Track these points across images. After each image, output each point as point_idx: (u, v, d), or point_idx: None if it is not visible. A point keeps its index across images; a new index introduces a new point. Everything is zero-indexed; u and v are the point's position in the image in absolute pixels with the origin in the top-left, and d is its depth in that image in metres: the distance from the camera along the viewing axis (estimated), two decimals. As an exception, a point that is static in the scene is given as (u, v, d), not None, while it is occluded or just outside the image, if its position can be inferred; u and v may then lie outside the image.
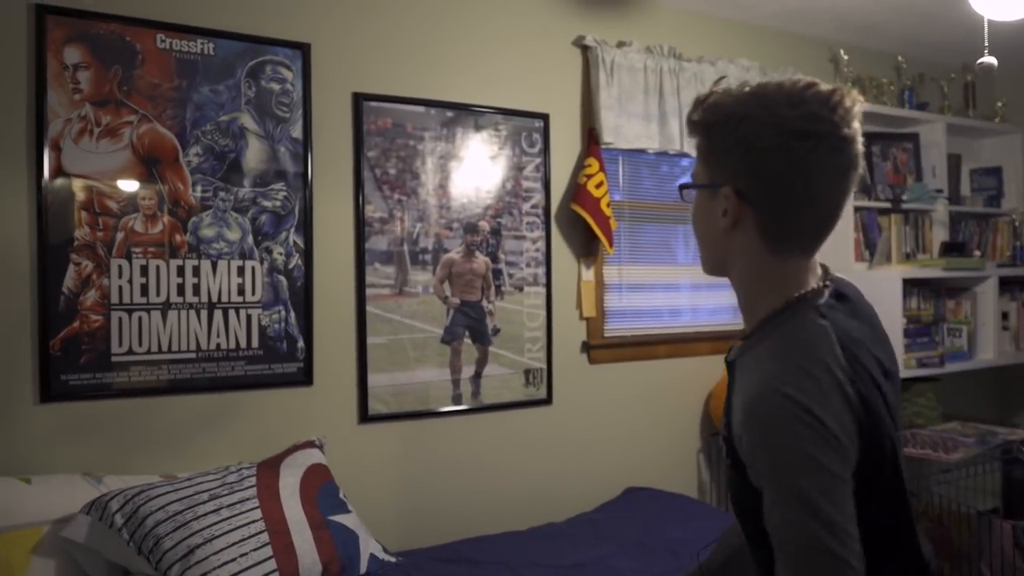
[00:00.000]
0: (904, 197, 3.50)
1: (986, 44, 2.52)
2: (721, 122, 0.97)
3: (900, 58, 3.75)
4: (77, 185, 2.08)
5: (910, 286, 3.28)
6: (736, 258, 1.01)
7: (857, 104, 0.95)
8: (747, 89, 0.97)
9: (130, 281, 2.14)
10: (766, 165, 0.94)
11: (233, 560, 1.82)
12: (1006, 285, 3.59)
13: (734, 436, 0.95)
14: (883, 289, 3.20)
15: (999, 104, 3.91)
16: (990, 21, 2.57)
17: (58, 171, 2.06)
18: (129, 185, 2.15)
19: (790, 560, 0.86)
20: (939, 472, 3.02)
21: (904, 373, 3.18)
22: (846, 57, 3.52)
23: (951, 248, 3.51)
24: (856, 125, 0.94)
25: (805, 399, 0.86)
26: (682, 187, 1.07)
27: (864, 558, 0.85)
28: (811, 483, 0.85)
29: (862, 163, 0.97)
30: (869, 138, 3.59)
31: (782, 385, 0.88)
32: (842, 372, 0.90)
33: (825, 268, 1.04)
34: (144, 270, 2.16)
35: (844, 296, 1.02)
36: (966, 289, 3.53)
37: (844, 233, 3.38)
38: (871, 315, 1.05)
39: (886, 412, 0.95)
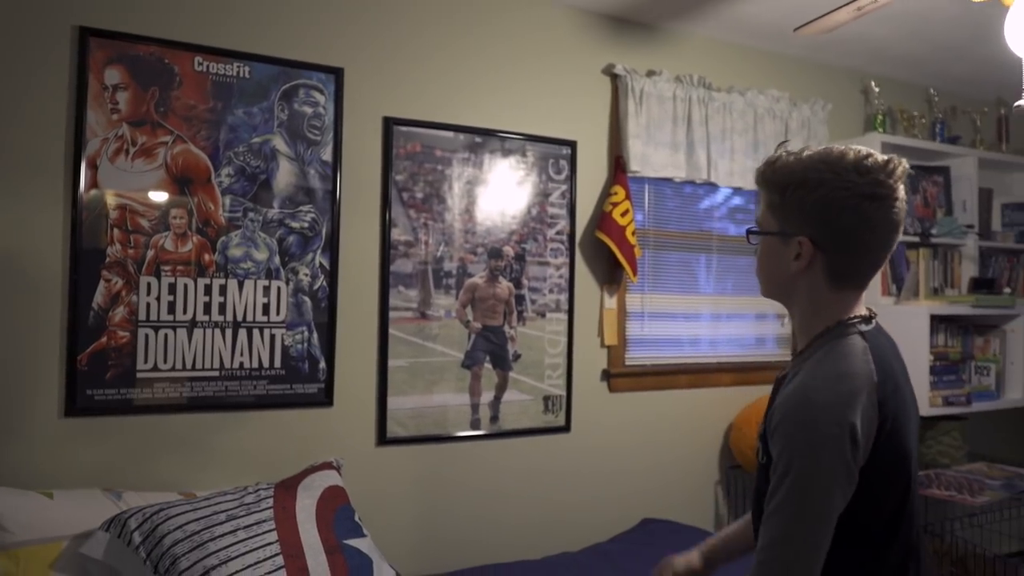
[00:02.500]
0: (933, 231, 3.45)
1: None
2: (796, 183, 1.14)
3: (932, 90, 3.71)
4: (111, 203, 2.12)
5: (938, 322, 3.23)
6: (800, 292, 1.18)
7: (901, 168, 1.13)
8: (813, 155, 1.14)
9: (158, 299, 2.17)
10: (840, 220, 1.12)
11: (249, 583, 1.82)
12: (1037, 323, 3.52)
13: (769, 426, 1.10)
14: (910, 325, 3.15)
15: (1033, 139, 3.86)
16: (1027, 60, 2.53)
17: (93, 189, 2.10)
18: (161, 204, 2.18)
19: (769, 533, 1.04)
20: (964, 516, 2.96)
21: (929, 411, 3.13)
22: (877, 89, 3.49)
23: (981, 284, 3.45)
24: (903, 188, 1.14)
25: (834, 401, 1.04)
26: (750, 232, 1.23)
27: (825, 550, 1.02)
28: (810, 479, 1.02)
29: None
30: (899, 171, 3.55)
31: (816, 392, 1.05)
32: (870, 381, 1.07)
33: (869, 308, 1.21)
34: (172, 288, 2.19)
35: (883, 333, 1.20)
36: (995, 327, 3.47)
37: (871, 267, 3.33)
38: (900, 357, 1.20)
39: (912, 428, 1.13)
